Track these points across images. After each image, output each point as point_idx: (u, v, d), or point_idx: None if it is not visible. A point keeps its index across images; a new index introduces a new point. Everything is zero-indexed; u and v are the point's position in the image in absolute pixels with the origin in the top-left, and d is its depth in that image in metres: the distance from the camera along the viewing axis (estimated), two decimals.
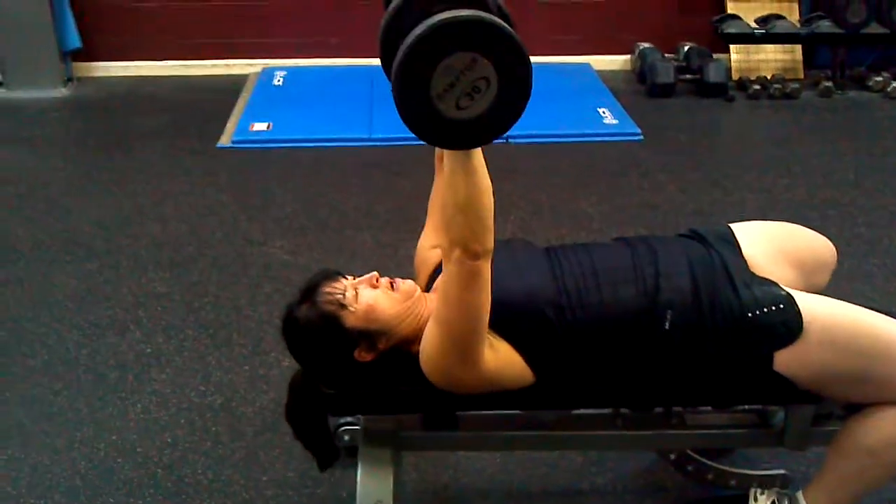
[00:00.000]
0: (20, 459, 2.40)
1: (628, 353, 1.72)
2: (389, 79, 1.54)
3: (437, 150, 1.91)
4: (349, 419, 1.99)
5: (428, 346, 1.65)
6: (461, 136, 1.42)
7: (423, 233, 2.01)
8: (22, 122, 4.90)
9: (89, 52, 5.47)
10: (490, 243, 1.53)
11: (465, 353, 1.62)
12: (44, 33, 5.10)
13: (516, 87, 1.38)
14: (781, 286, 1.75)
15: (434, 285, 1.87)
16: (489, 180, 1.50)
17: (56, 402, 2.63)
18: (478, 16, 1.33)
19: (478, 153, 1.47)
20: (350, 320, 1.70)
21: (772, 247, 1.87)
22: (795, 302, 1.70)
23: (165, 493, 2.29)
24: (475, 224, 1.50)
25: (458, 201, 1.49)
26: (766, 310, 1.70)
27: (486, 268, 1.55)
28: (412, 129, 1.41)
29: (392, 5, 1.48)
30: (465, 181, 1.47)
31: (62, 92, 5.29)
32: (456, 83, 1.35)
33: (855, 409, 1.78)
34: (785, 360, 1.70)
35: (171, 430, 2.51)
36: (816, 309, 1.70)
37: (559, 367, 1.72)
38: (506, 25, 1.34)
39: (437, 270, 1.89)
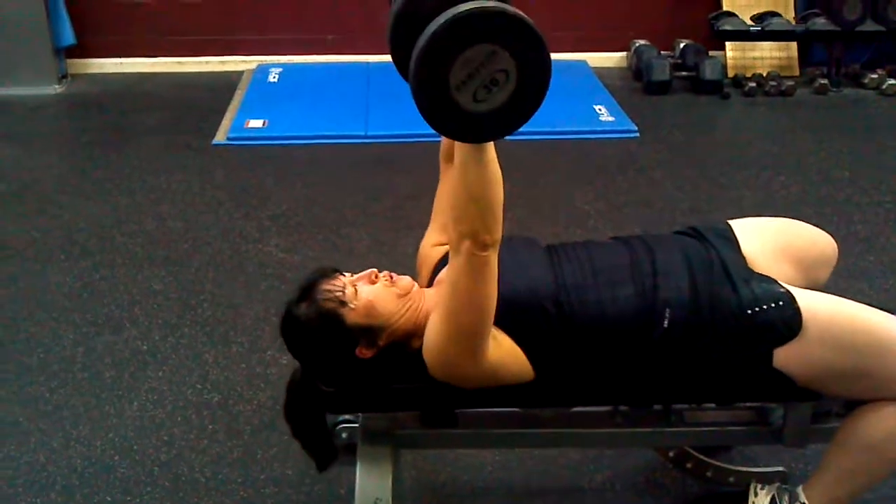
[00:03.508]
0: (16, 458, 2.39)
1: (627, 350, 1.72)
2: (399, 70, 1.53)
3: (443, 149, 1.91)
4: (348, 417, 1.98)
5: (433, 337, 1.65)
6: (477, 129, 1.41)
7: (427, 231, 2.01)
8: (16, 119, 4.87)
9: (84, 49, 5.45)
10: (498, 234, 1.55)
11: (471, 345, 1.63)
12: (38, 29, 5.06)
13: (535, 81, 1.37)
14: (781, 283, 1.75)
15: (436, 280, 1.87)
16: (500, 171, 1.51)
17: (52, 400, 2.62)
18: (501, 7, 1.32)
19: (490, 145, 1.48)
20: (351, 317, 1.70)
21: (771, 243, 1.87)
22: (795, 299, 1.70)
23: (162, 491, 2.28)
24: (486, 214, 1.51)
25: (470, 192, 1.49)
26: (765, 307, 1.70)
27: (494, 259, 1.56)
28: (428, 121, 1.40)
29: None
30: (477, 173, 1.48)
31: (56, 89, 5.25)
32: (475, 75, 1.34)
33: (854, 405, 1.78)
34: (784, 357, 1.70)
35: (168, 428, 2.50)
36: (816, 306, 1.70)
37: (558, 363, 1.72)
38: (528, 18, 1.33)
39: (439, 267, 1.89)
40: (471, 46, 1.32)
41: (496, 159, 1.50)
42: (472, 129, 1.42)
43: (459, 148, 1.48)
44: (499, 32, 1.32)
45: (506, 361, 1.68)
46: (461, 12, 1.30)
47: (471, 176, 1.48)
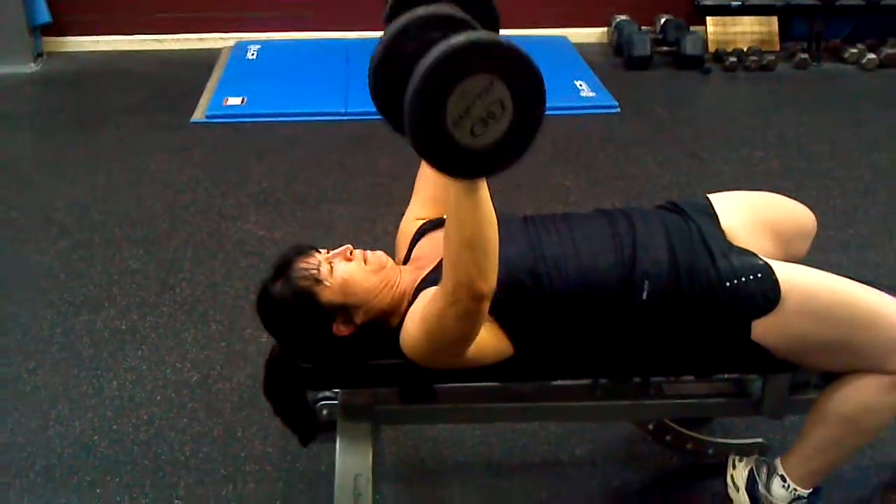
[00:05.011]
0: None
1: (606, 322, 1.72)
2: (379, 110, 1.49)
3: None
4: (327, 394, 1.98)
5: (411, 342, 1.64)
6: (474, 165, 1.37)
7: (409, 206, 1.99)
8: None
9: (60, 27, 5.39)
10: (494, 282, 1.49)
11: (450, 355, 1.63)
12: (13, 7, 4.99)
13: (531, 111, 1.33)
14: (759, 256, 1.75)
15: (413, 255, 1.86)
16: (494, 213, 1.46)
17: (30, 381, 2.60)
18: (496, 38, 1.29)
19: (483, 184, 1.43)
20: (326, 295, 1.69)
21: (750, 217, 1.87)
22: (773, 271, 1.70)
23: (143, 470, 2.27)
24: (482, 260, 1.46)
25: (464, 236, 1.44)
26: (743, 279, 1.70)
27: (487, 308, 1.52)
28: (424, 157, 1.36)
29: (388, 34, 1.42)
30: (472, 214, 1.43)
31: (32, 67, 5.20)
32: (471, 108, 1.30)
33: (832, 377, 1.79)
34: (762, 329, 1.70)
35: (148, 407, 2.49)
36: (794, 278, 1.71)
37: (538, 337, 1.71)
38: (523, 49, 1.29)
39: (415, 240, 1.88)
40: (469, 77, 1.28)
41: (490, 200, 1.45)
42: (469, 165, 1.37)
43: (453, 186, 1.43)
44: (495, 62, 1.29)
45: (486, 346, 1.67)
46: (458, 43, 1.26)
47: (465, 217, 1.43)
